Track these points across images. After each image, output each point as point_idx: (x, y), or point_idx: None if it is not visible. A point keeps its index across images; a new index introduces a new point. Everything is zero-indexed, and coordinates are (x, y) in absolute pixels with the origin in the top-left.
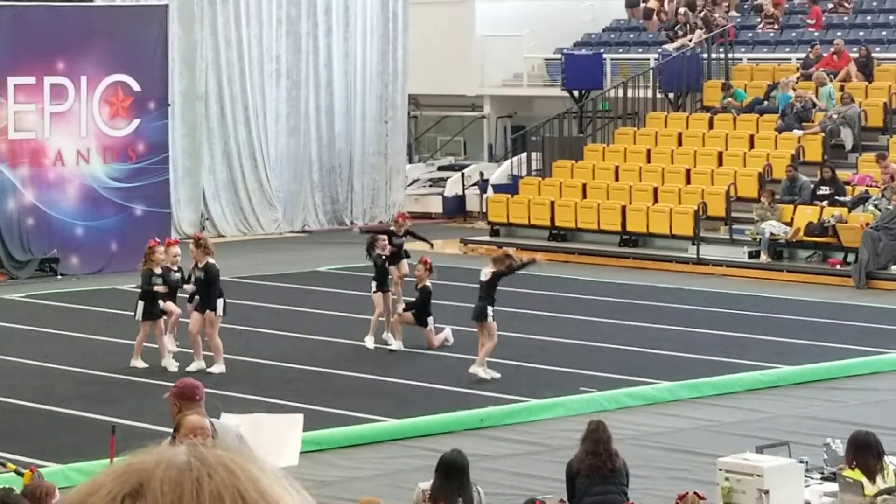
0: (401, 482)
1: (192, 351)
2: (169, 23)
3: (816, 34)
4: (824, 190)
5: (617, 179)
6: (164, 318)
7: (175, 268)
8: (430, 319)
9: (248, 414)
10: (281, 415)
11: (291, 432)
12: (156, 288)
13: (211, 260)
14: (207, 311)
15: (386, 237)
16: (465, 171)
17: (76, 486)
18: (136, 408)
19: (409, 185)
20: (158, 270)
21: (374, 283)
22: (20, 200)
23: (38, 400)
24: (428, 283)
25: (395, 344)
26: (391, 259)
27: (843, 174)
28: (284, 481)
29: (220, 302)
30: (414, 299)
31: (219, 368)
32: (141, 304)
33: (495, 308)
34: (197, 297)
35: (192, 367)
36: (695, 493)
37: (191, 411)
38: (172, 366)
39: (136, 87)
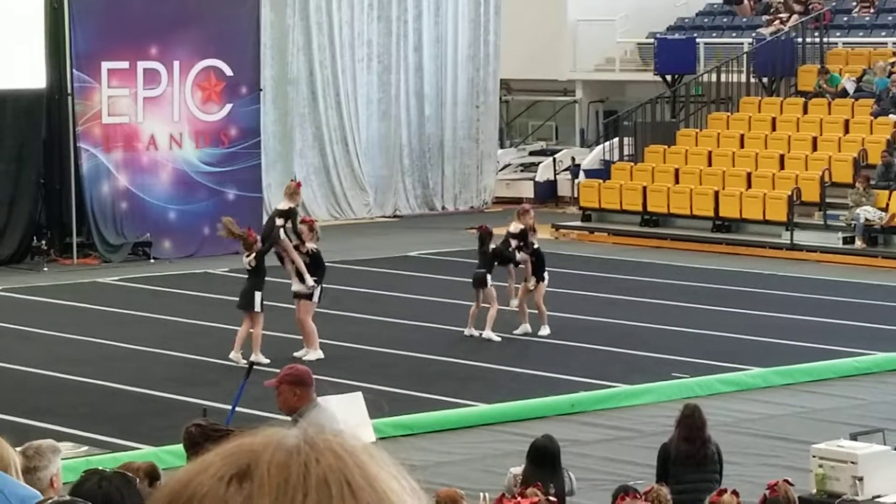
0: (492, 467)
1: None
2: (261, 7)
3: None
4: None
5: (710, 165)
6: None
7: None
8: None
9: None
10: (339, 395)
11: (356, 410)
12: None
13: (315, 246)
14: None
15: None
16: (556, 155)
17: (185, 465)
18: (228, 391)
19: (501, 170)
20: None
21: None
22: (114, 184)
23: (131, 382)
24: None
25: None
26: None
27: None
28: (392, 467)
29: (317, 289)
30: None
31: (315, 355)
32: (258, 294)
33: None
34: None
35: (311, 357)
36: (784, 480)
37: (308, 397)
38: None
39: (228, 71)
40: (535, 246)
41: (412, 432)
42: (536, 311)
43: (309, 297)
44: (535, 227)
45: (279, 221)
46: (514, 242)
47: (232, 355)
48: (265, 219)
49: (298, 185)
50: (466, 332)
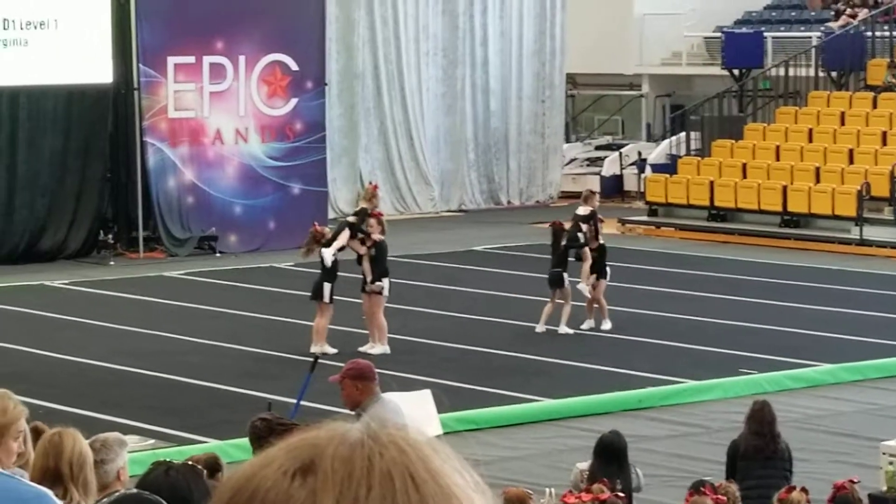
0: (558, 462)
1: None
2: (326, 2)
3: None
4: None
5: (778, 159)
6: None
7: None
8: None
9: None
10: (407, 392)
11: (424, 407)
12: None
13: (381, 237)
14: (373, 290)
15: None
16: (622, 150)
17: (249, 459)
18: (293, 385)
19: (566, 165)
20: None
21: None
22: (180, 179)
23: (197, 376)
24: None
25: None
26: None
27: None
28: (456, 461)
29: (385, 282)
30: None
31: (381, 349)
32: (328, 286)
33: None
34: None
35: (376, 351)
36: (849, 480)
37: (370, 390)
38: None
39: (293, 66)
40: (601, 241)
41: (477, 427)
42: (597, 306)
43: (379, 291)
44: (600, 223)
45: (350, 218)
46: (584, 227)
47: (313, 348)
48: (330, 213)
49: (375, 187)
50: (538, 328)
